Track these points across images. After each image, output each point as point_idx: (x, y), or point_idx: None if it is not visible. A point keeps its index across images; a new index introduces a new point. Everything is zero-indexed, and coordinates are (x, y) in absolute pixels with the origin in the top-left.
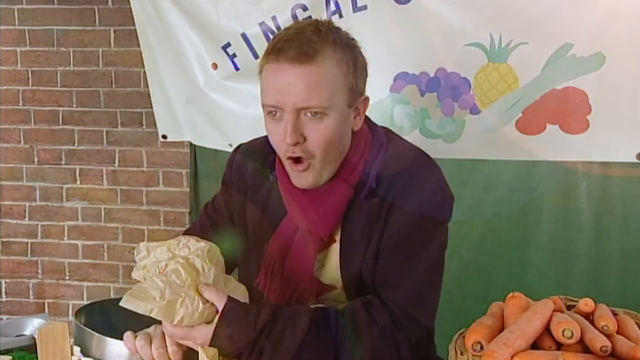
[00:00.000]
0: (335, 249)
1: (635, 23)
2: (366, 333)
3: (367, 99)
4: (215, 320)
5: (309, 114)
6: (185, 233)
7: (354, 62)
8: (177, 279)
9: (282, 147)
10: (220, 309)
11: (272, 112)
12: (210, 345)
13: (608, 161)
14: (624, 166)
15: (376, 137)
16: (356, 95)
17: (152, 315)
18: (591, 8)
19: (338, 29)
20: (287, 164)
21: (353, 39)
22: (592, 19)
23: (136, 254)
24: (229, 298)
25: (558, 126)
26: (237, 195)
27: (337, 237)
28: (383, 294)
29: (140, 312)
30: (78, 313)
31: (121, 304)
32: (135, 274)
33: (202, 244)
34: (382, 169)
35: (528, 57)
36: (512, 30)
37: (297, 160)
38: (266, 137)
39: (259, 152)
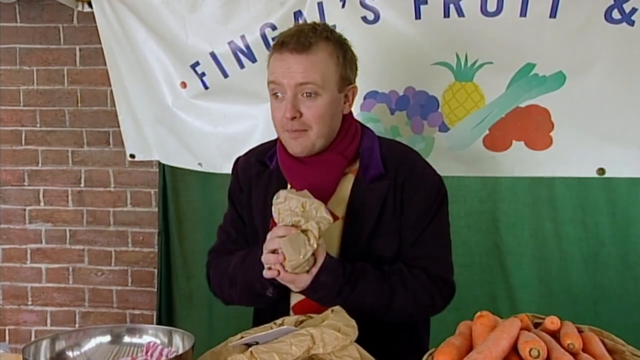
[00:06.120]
0: (336, 226)
1: (593, 44)
2: (410, 284)
3: (355, 87)
4: (314, 270)
5: (304, 94)
6: (210, 254)
7: (344, 55)
8: (314, 240)
9: (282, 121)
10: (321, 262)
11: (275, 92)
12: (307, 288)
13: (570, 176)
14: (584, 179)
15: (366, 129)
16: (346, 83)
17: (292, 266)
18: (552, 29)
19: (331, 29)
20: (286, 135)
21: (345, 38)
22: (553, 40)
23: (275, 198)
24: (327, 254)
25: (523, 143)
26: (245, 191)
27: (340, 215)
28: (419, 263)
29: (294, 257)
30: (25, 350)
31: (282, 245)
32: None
33: (330, 217)
34: (386, 157)
35: (493, 76)
36: (477, 50)
37: (294, 131)
38: (261, 144)
39: (259, 151)
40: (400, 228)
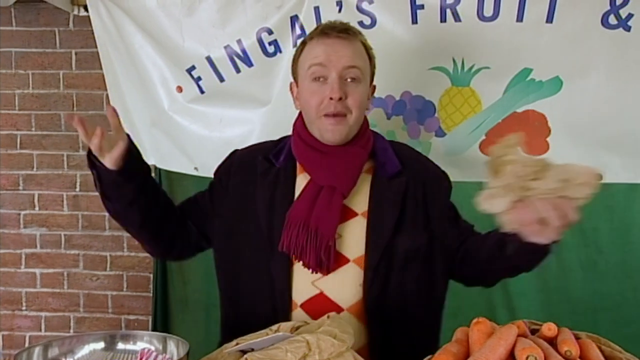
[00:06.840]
0: (357, 222)
1: (590, 49)
2: None
3: (374, 87)
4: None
5: (349, 79)
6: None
7: (373, 57)
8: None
9: (324, 104)
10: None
11: (317, 76)
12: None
13: None
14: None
15: (375, 131)
16: (371, 80)
17: None
18: (549, 34)
19: None
20: (323, 121)
21: None
22: (550, 45)
23: (505, 144)
24: None
25: (520, 148)
26: (237, 185)
27: (360, 211)
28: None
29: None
30: (17, 357)
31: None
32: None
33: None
34: (400, 155)
35: (490, 81)
36: (474, 55)
37: (334, 115)
38: (261, 142)
39: (263, 148)
40: (427, 225)
